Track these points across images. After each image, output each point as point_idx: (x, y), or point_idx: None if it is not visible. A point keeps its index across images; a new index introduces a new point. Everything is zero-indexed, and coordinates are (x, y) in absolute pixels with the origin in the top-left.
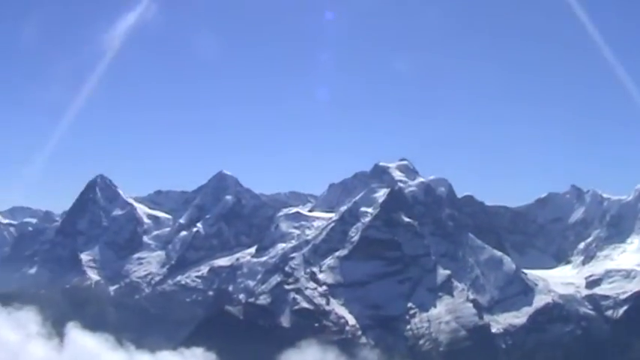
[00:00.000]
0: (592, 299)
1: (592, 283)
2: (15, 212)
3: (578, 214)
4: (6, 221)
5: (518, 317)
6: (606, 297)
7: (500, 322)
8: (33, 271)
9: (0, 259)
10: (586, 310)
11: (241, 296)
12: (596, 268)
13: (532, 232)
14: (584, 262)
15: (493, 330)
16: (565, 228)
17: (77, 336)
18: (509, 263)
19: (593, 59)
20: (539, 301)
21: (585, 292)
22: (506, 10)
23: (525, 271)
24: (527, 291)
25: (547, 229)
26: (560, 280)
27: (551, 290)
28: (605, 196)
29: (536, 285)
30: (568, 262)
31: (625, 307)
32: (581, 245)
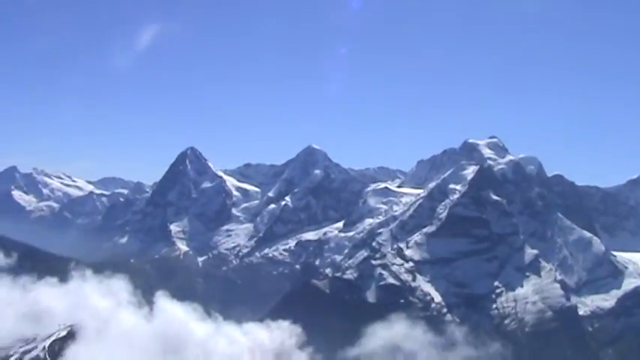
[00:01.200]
0: None
1: None
2: (107, 182)
3: None
4: (98, 191)
5: (606, 300)
6: None
7: (587, 304)
8: (124, 240)
9: (92, 228)
10: None
11: (328, 270)
12: None
13: (623, 214)
14: None
15: (580, 312)
16: None
17: (166, 305)
18: (598, 244)
19: None
20: (629, 284)
21: None
22: None
23: (615, 253)
24: (616, 274)
25: (639, 211)
26: None
27: None
28: None
29: (625, 268)
30: None
31: None
32: None
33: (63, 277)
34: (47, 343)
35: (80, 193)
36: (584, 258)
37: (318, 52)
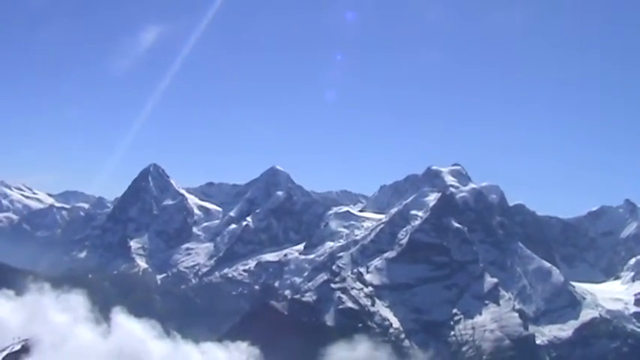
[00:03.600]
0: None
1: None
2: (68, 196)
3: (630, 228)
4: (59, 205)
5: (563, 330)
6: None
7: (545, 333)
8: (83, 255)
9: (51, 241)
10: (634, 327)
11: (287, 292)
12: None
13: (583, 245)
14: (634, 279)
15: (538, 341)
16: (616, 243)
17: (123, 322)
18: (557, 275)
19: None
20: (586, 315)
21: (634, 308)
22: (570, 22)
23: (573, 283)
24: (574, 304)
25: (598, 243)
26: (609, 296)
27: (598, 305)
28: None
29: (583, 298)
30: (617, 278)
31: None
32: (632, 261)
33: (20, 290)
34: (0, 356)
35: (40, 206)
36: (543, 288)
37: (283, 76)
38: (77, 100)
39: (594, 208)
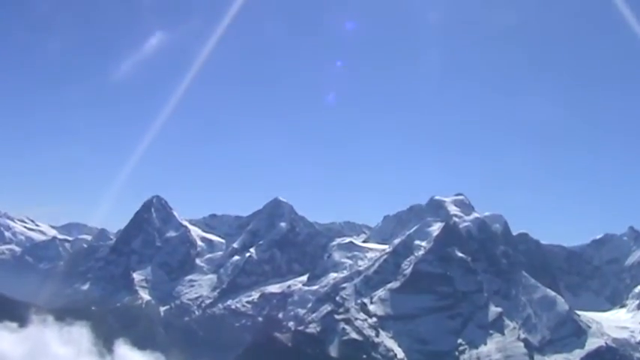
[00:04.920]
0: None
1: None
2: (71, 228)
3: (635, 256)
4: (61, 237)
5: (569, 359)
6: None
7: None
8: (85, 287)
9: (54, 273)
10: None
11: (291, 324)
12: None
13: (587, 273)
14: (639, 307)
15: None
16: (621, 270)
17: (127, 354)
18: (562, 304)
19: None
20: (592, 344)
21: None
22: (577, 52)
23: (578, 312)
24: (579, 333)
25: (602, 271)
26: (614, 324)
27: (604, 333)
28: None
29: (589, 327)
30: (623, 306)
31: None
32: (637, 289)
33: (22, 322)
34: None
35: (43, 238)
36: (548, 317)
37: (285, 110)
38: (80, 132)
39: (598, 236)
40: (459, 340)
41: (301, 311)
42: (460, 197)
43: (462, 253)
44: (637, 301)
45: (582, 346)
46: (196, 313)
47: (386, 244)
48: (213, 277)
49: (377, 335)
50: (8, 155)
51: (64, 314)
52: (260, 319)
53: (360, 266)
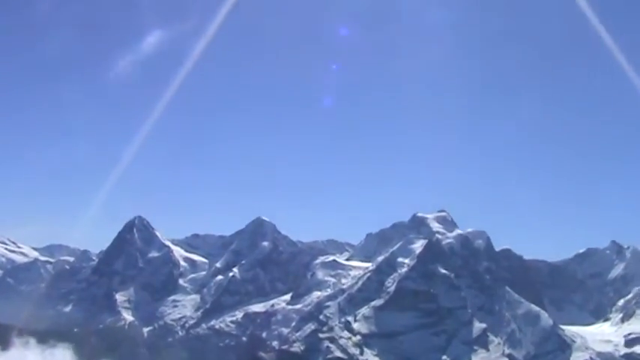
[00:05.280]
0: (631, 358)
1: (631, 341)
2: (53, 249)
3: (617, 270)
4: (43, 258)
5: None
6: None
7: None
8: (68, 309)
9: (36, 295)
10: None
11: (275, 343)
12: (635, 326)
13: (570, 288)
14: (623, 320)
15: None
16: (604, 284)
17: None
18: (546, 318)
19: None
20: (577, 358)
21: (624, 350)
22: (558, 73)
23: (563, 327)
24: (564, 347)
25: (586, 285)
26: (599, 338)
27: (588, 347)
28: None
29: (573, 342)
30: (607, 320)
31: None
32: (621, 302)
33: (5, 345)
34: None
35: (25, 260)
36: (532, 332)
37: (266, 128)
38: (59, 152)
39: (581, 250)
40: (444, 357)
41: (285, 330)
42: (442, 214)
43: (446, 269)
44: (621, 315)
45: None
46: (180, 333)
47: (369, 261)
48: (196, 297)
49: (361, 353)
50: None
51: (47, 336)
52: (244, 338)
53: (343, 284)
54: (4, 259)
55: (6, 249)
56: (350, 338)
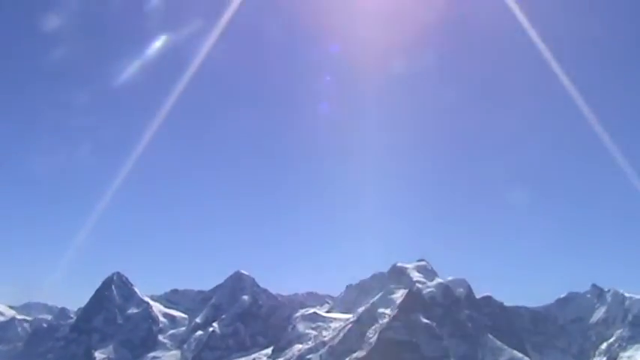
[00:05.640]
0: None
1: None
2: (30, 308)
3: (599, 313)
4: (20, 317)
5: None
6: None
7: None
8: None
9: (13, 355)
10: None
11: None
12: None
13: (553, 333)
14: None
15: None
16: (586, 328)
17: None
18: None
19: (611, 160)
20: None
21: None
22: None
23: None
24: None
25: (568, 330)
26: None
27: None
28: (627, 295)
29: None
30: None
31: None
32: (604, 345)
33: None
34: None
35: (1, 319)
36: None
37: (244, 180)
38: (34, 209)
39: (562, 295)
40: None
41: None
42: (422, 263)
43: (427, 318)
44: (604, 358)
45: None
46: None
47: (350, 313)
48: (176, 352)
49: None
50: None
51: None
52: None
53: (324, 336)
54: None
55: None
56: None
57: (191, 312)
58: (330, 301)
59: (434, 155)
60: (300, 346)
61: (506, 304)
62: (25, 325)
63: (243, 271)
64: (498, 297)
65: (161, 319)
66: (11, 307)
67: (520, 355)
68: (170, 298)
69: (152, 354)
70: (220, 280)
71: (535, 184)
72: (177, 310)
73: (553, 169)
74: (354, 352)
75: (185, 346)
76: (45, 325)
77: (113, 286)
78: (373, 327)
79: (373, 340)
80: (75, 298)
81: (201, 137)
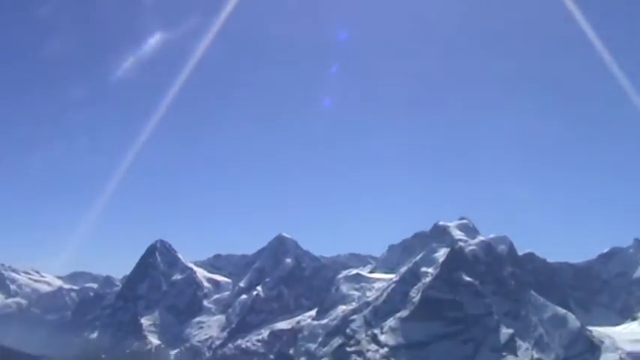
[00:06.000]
0: None
1: None
2: (76, 277)
3: None
4: (67, 286)
5: None
6: None
7: None
8: (94, 335)
9: (62, 324)
10: None
11: (302, 359)
12: None
13: (596, 288)
14: None
15: None
16: (630, 283)
17: None
18: (573, 321)
19: None
20: (606, 359)
21: None
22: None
23: (590, 328)
24: (593, 349)
25: (611, 285)
26: (627, 337)
27: (618, 347)
28: None
29: (602, 343)
30: (634, 319)
31: None
32: None
33: None
34: None
35: (49, 289)
36: (560, 335)
37: (284, 143)
38: (78, 181)
39: (604, 250)
40: None
41: (312, 346)
42: (464, 221)
43: (470, 277)
44: None
45: None
46: (207, 354)
47: (392, 273)
48: (221, 317)
49: None
50: (10, 208)
51: None
52: (271, 356)
53: (368, 297)
54: (28, 290)
55: (30, 279)
56: (377, 351)
57: (235, 276)
58: (372, 262)
59: (473, 112)
60: (344, 307)
61: (549, 260)
62: (73, 294)
63: (285, 234)
64: (541, 253)
65: (205, 284)
66: (58, 277)
67: (563, 311)
68: (213, 264)
69: (197, 319)
70: (263, 244)
71: (579, 139)
72: (220, 274)
73: (597, 122)
74: (398, 311)
75: (230, 310)
76: (91, 293)
77: (157, 254)
78: (416, 286)
79: (416, 299)
80: (120, 266)
81: (244, 96)
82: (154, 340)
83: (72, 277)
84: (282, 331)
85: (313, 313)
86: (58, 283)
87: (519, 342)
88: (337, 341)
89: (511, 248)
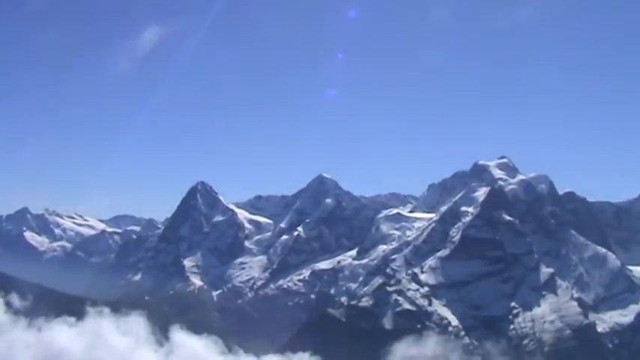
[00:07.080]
0: None
1: None
2: (119, 220)
3: None
4: (110, 229)
5: (624, 315)
6: None
7: (606, 320)
8: (138, 277)
9: (105, 266)
10: None
11: (343, 299)
12: None
13: (637, 228)
14: None
15: (599, 329)
16: None
17: (184, 340)
18: (613, 260)
19: None
20: None
21: None
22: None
23: (631, 267)
24: (633, 288)
25: None
26: None
27: None
28: None
29: None
30: None
31: None
32: None
33: (79, 316)
34: None
35: (92, 232)
36: (600, 274)
37: (321, 85)
38: (119, 125)
39: None
40: (512, 304)
41: (353, 286)
42: (504, 160)
43: (510, 216)
44: None
45: (637, 302)
46: (249, 295)
47: (432, 212)
48: (263, 258)
49: (430, 304)
50: (52, 153)
51: (119, 305)
52: (312, 296)
53: (408, 237)
54: (72, 233)
55: (74, 223)
56: (418, 290)
57: (276, 217)
58: (412, 201)
59: (511, 51)
60: (385, 246)
61: (589, 199)
62: (115, 237)
63: (325, 175)
64: (581, 192)
65: (246, 225)
66: (101, 221)
67: (604, 250)
68: (254, 205)
69: (239, 260)
70: (303, 185)
71: (616, 75)
72: (261, 215)
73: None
74: (438, 251)
75: (271, 250)
76: (134, 236)
77: (198, 195)
78: (456, 225)
79: (456, 238)
80: (161, 208)
81: (281, 41)
82: (197, 282)
83: (115, 221)
84: (322, 271)
85: (354, 252)
86: (102, 226)
87: (559, 281)
88: (377, 281)
89: (551, 187)
